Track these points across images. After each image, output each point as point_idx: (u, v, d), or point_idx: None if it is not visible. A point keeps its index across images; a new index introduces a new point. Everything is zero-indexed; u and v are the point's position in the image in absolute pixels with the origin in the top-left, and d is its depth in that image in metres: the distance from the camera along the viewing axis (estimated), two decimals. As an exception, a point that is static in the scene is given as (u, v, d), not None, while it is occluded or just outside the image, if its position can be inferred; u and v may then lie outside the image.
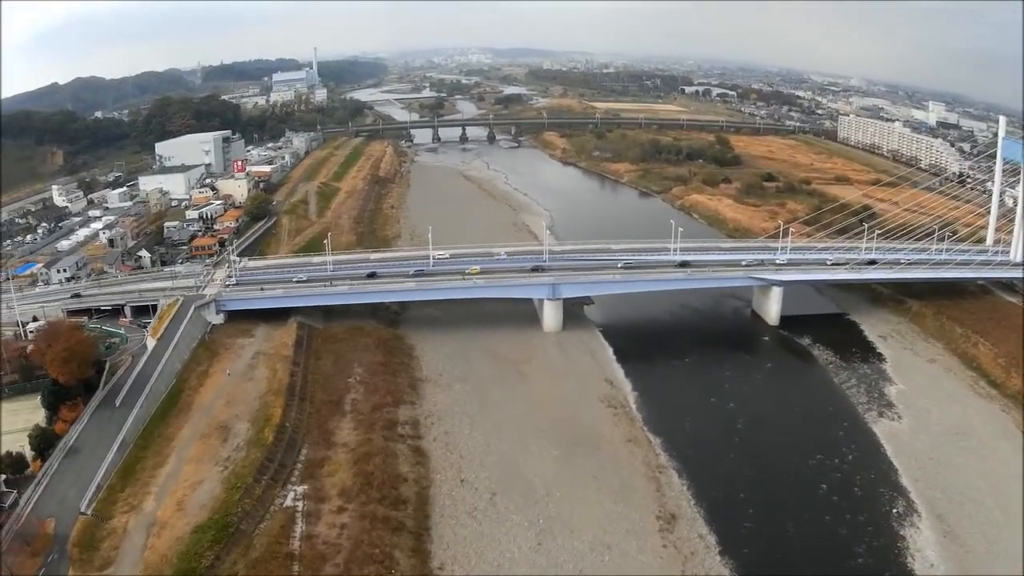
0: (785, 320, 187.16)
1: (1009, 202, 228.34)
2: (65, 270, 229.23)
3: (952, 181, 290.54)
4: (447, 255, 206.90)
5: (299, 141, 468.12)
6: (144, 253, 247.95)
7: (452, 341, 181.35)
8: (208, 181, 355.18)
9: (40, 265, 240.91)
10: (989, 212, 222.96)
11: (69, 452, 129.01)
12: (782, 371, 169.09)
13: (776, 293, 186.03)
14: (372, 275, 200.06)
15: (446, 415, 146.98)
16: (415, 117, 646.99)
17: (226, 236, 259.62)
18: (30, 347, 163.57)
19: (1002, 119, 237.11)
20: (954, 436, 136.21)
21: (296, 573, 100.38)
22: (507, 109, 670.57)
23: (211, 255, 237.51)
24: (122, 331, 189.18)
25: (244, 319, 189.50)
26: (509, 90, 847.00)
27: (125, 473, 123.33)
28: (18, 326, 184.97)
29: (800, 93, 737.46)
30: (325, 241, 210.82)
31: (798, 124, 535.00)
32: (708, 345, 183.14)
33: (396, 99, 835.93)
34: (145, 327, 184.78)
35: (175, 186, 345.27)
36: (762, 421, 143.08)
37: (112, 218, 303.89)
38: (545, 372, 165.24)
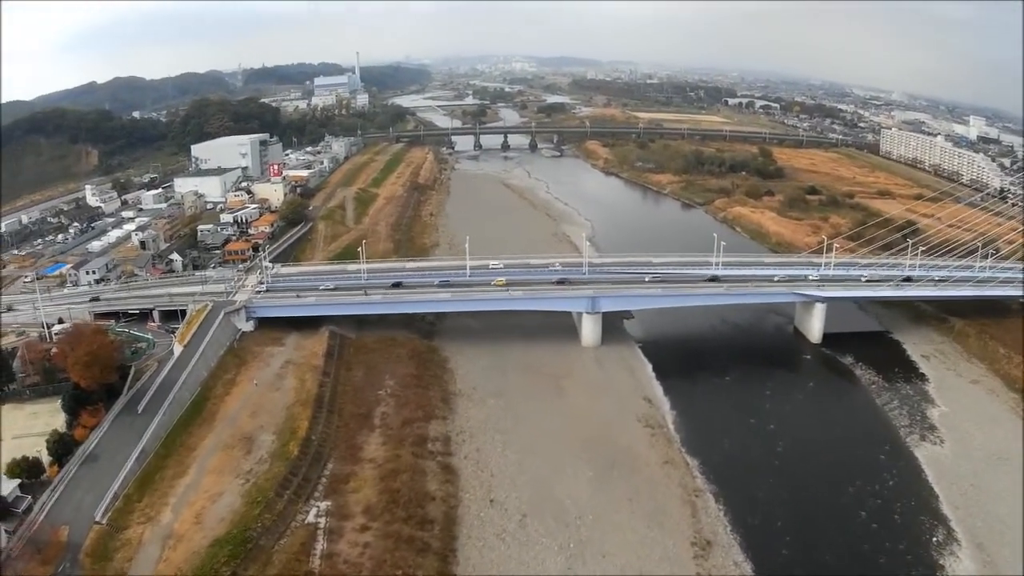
0: (827, 337, 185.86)
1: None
2: (94, 272, 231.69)
3: (994, 197, 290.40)
4: (501, 265, 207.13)
5: (338, 146, 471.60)
6: (175, 256, 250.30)
7: (488, 354, 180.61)
8: (244, 184, 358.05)
9: (69, 266, 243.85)
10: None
11: (87, 459, 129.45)
12: (824, 391, 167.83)
13: (819, 310, 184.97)
14: (398, 285, 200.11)
15: (479, 431, 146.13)
16: (457, 124, 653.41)
17: (260, 241, 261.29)
18: (54, 349, 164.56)
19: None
20: (996, 461, 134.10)
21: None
22: (550, 118, 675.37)
23: (244, 260, 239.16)
24: (149, 336, 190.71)
25: (275, 327, 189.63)
26: (552, 99, 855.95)
27: (143, 483, 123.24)
28: (43, 327, 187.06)
29: (843, 106, 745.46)
30: (359, 249, 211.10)
31: (841, 137, 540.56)
32: (749, 363, 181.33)
33: (438, 106, 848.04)
34: (173, 332, 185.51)
35: (211, 189, 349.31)
36: (802, 443, 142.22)
37: (145, 220, 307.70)
38: (582, 388, 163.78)
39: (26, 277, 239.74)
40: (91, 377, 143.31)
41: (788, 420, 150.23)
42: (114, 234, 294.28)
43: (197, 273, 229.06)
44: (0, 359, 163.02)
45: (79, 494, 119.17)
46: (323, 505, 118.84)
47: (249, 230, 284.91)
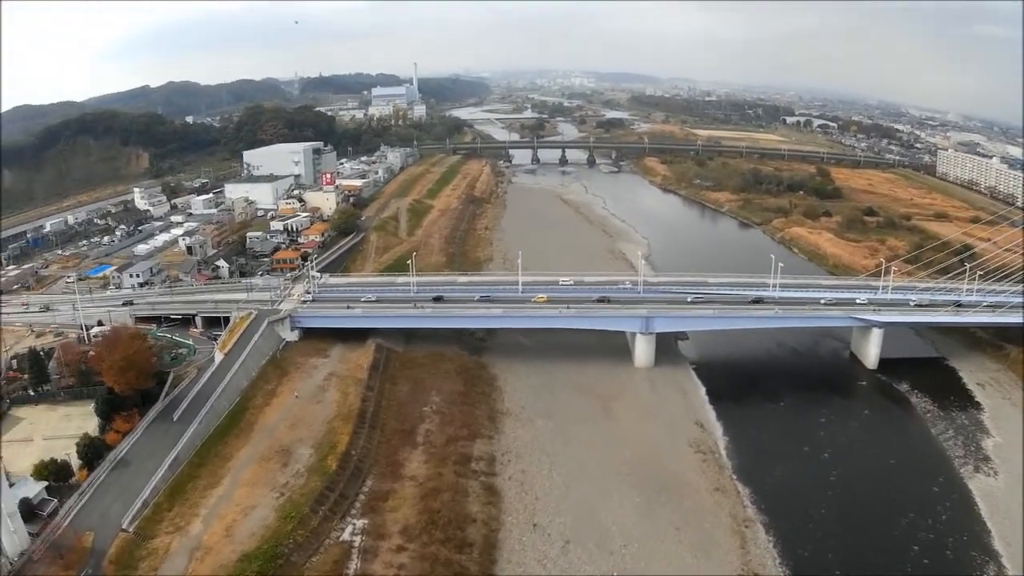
0: (883, 363, 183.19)
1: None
2: (138, 275, 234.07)
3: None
4: (571, 282, 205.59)
5: (394, 156, 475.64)
6: (222, 263, 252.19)
7: (538, 372, 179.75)
8: (296, 192, 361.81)
9: (113, 268, 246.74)
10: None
11: (118, 464, 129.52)
12: (879, 419, 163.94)
13: (876, 335, 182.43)
14: (439, 299, 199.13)
15: (525, 452, 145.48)
16: (515, 137, 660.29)
17: (310, 250, 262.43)
18: (91, 352, 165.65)
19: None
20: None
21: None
22: (608, 133, 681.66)
23: (292, 269, 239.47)
24: (190, 342, 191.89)
25: (320, 337, 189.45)
26: (611, 114, 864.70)
27: (174, 492, 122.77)
28: (82, 329, 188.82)
29: (899, 126, 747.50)
30: (408, 261, 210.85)
31: (897, 158, 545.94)
32: (804, 388, 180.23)
33: (497, 119, 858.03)
34: (215, 339, 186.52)
35: (262, 196, 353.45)
36: (856, 473, 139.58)
37: (194, 225, 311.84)
38: (633, 410, 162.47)
39: (68, 277, 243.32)
40: (126, 382, 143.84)
41: (842, 449, 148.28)
42: (161, 238, 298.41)
43: (243, 280, 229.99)
44: (35, 359, 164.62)
45: (107, 500, 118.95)
46: (359, 523, 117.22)
47: (299, 238, 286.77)
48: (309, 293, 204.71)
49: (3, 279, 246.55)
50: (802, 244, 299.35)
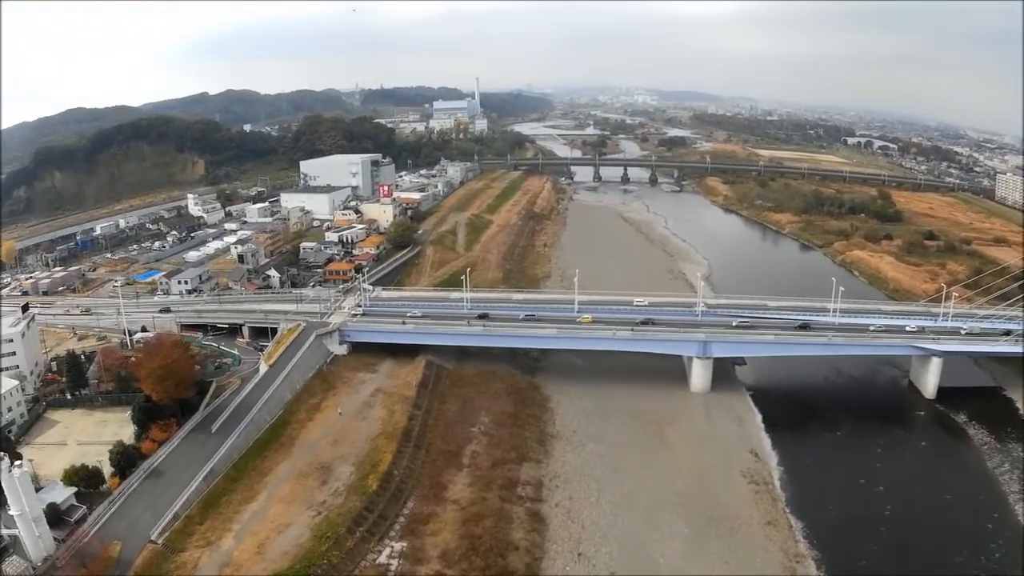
0: (941, 392, 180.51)
1: None
2: (186, 281, 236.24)
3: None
4: (646, 302, 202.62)
5: (454, 170, 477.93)
6: (273, 272, 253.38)
7: (592, 395, 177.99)
8: (353, 204, 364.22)
9: (162, 274, 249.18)
10: None
11: (151, 474, 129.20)
12: (935, 451, 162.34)
13: (935, 364, 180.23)
14: (484, 316, 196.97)
15: (573, 478, 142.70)
16: (577, 154, 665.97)
17: (364, 262, 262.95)
18: (132, 358, 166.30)
19: None
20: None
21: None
22: (670, 151, 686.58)
23: (345, 281, 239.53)
24: (235, 352, 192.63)
25: (369, 352, 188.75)
26: (673, 132, 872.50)
27: (208, 505, 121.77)
28: (125, 334, 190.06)
29: (958, 149, 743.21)
30: (462, 277, 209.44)
31: (957, 181, 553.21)
32: (862, 417, 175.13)
33: (559, 135, 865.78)
34: (262, 350, 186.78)
35: (318, 206, 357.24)
36: (911, 508, 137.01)
37: (248, 233, 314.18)
38: (687, 437, 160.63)
39: (116, 281, 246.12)
40: (163, 391, 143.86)
41: (897, 481, 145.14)
42: (213, 245, 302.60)
43: (293, 291, 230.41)
44: (73, 363, 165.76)
45: (137, 510, 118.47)
46: (397, 546, 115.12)
47: (354, 250, 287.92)
48: (360, 306, 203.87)
49: (48, 280, 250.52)
50: (863, 267, 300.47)
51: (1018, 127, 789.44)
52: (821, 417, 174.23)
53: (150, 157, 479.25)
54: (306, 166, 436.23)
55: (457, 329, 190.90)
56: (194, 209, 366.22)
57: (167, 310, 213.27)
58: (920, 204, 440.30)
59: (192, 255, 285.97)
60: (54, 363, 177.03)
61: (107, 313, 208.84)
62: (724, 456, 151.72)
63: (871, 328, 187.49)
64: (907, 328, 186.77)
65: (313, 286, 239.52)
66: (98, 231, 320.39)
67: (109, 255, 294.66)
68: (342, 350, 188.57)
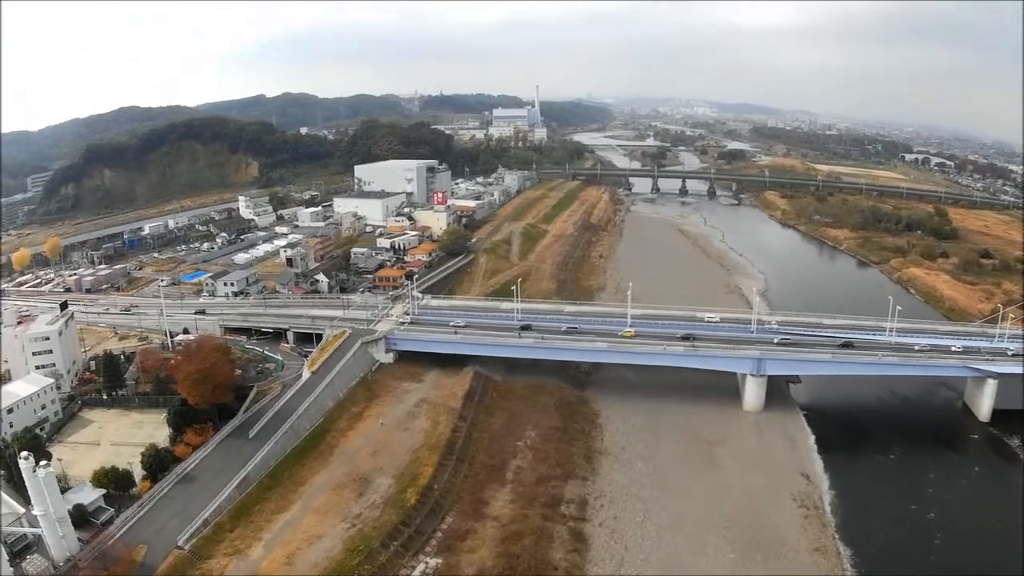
0: (996, 415, 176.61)
1: None
2: (233, 284, 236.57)
3: None
4: (717, 319, 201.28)
5: (511, 178, 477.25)
6: (321, 277, 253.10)
7: (642, 411, 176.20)
8: (406, 210, 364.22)
9: (209, 275, 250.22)
10: None
11: (184, 479, 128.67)
12: (988, 478, 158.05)
13: (990, 386, 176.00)
14: (526, 327, 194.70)
15: (619, 497, 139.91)
16: (636, 165, 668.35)
17: (415, 269, 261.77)
18: (172, 360, 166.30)
19: None
20: None
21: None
22: (729, 164, 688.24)
23: (395, 287, 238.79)
24: (279, 357, 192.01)
25: (415, 361, 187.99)
26: (732, 145, 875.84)
27: (239, 512, 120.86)
28: (166, 335, 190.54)
29: (1013, 167, 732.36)
30: (513, 287, 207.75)
31: (1012, 199, 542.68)
32: (915, 440, 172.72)
33: (618, 145, 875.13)
34: (306, 356, 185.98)
35: (371, 211, 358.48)
36: (960, 537, 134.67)
37: (298, 237, 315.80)
38: (737, 458, 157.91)
39: (161, 281, 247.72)
40: (200, 395, 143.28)
41: (949, 509, 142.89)
42: (263, 248, 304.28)
43: (341, 297, 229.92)
44: (110, 363, 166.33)
45: (166, 515, 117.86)
46: (432, 562, 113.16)
47: (405, 257, 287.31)
48: (408, 314, 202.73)
49: (92, 278, 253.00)
50: (919, 285, 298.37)
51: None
52: (874, 438, 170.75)
53: (203, 157, 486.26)
54: (360, 171, 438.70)
55: (506, 340, 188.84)
56: (245, 211, 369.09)
57: (203, 312, 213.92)
58: (976, 222, 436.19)
59: (240, 257, 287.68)
60: (93, 362, 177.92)
61: (149, 313, 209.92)
62: (775, 478, 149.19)
63: (916, 348, 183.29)
64: (953, 348, 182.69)
65: (362, 292, 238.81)
66: (146, 230, 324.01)
67: (156, 254, 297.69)
68: (388, 358, 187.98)
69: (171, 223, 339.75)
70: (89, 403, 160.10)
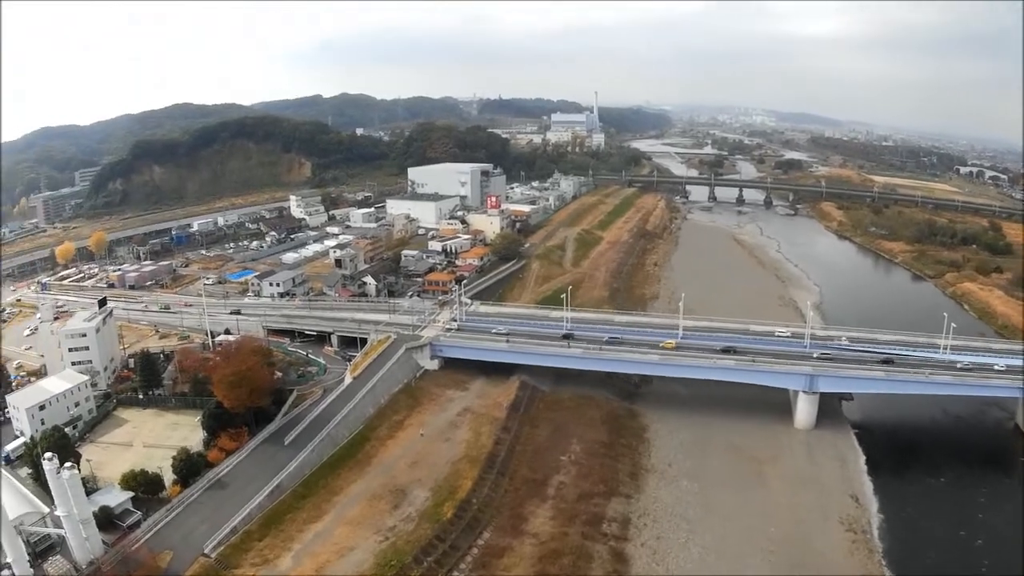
0: None
1: None
2: (279, 284, 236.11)
3: None
4: (787, 333, 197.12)
5: (567, 184, 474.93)
6: (369, 280, 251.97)
7: (691, 426, 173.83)
8: (459, 213, 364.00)
9: (255, 274, 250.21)
10: None
11: (215, 484, 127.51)
12: None
13: None
14: (568, 336, 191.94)
15: (663, 516, 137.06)
16: (693, 173, 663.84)
17: (466, 274, 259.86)
18: (211, 360, 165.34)
19: None
20: None
21: None
22: (786, 174, 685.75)
23: (444, 292, 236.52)
24: (322, 360, 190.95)
25: (461, 369, 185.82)
26: (789, 155, 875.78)
27: (270, 521, 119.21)
28: (207, 335, 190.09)
29: None
30: (563, 295, 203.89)
31: None
32: (966, 462, 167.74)
33: (676, 152, 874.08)
34: (349, 360, 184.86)
35: (424, 214, 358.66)
36: (1010, 566, 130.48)
37: (349, 238, 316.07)
38: (786, 477, 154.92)
39: (206, 279, 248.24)
40: (235, 398, 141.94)
41: (997, 536, 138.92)
42: (312, 248, 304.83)
43: (389, 300, 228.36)
44: (147, 362, 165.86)
45: (194, 520, 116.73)
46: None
47: (456, 261, 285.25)
48: (455, 320, 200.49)
49: (136, 274, 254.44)
50: (972, 300, 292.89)
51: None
52: (925, 459, 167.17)
53: (255, 156, 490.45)
54: (414, 173, 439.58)
55: (554, 350, 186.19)
56: (296, 210, 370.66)
57: (238, 312, 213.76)
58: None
59: (289, 256, 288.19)
60: (131, 360, 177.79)
61: (191, 312, 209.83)
62: (823, 500, 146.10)
63: (958, 366, 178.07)
64: (996, 367, 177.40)
65: (411, 296, 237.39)
66: (195, 227, 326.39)
67: (204, 252, 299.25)
68: (433, 365, 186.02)
69: (220, 220, 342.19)
70: (125, 402, 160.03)
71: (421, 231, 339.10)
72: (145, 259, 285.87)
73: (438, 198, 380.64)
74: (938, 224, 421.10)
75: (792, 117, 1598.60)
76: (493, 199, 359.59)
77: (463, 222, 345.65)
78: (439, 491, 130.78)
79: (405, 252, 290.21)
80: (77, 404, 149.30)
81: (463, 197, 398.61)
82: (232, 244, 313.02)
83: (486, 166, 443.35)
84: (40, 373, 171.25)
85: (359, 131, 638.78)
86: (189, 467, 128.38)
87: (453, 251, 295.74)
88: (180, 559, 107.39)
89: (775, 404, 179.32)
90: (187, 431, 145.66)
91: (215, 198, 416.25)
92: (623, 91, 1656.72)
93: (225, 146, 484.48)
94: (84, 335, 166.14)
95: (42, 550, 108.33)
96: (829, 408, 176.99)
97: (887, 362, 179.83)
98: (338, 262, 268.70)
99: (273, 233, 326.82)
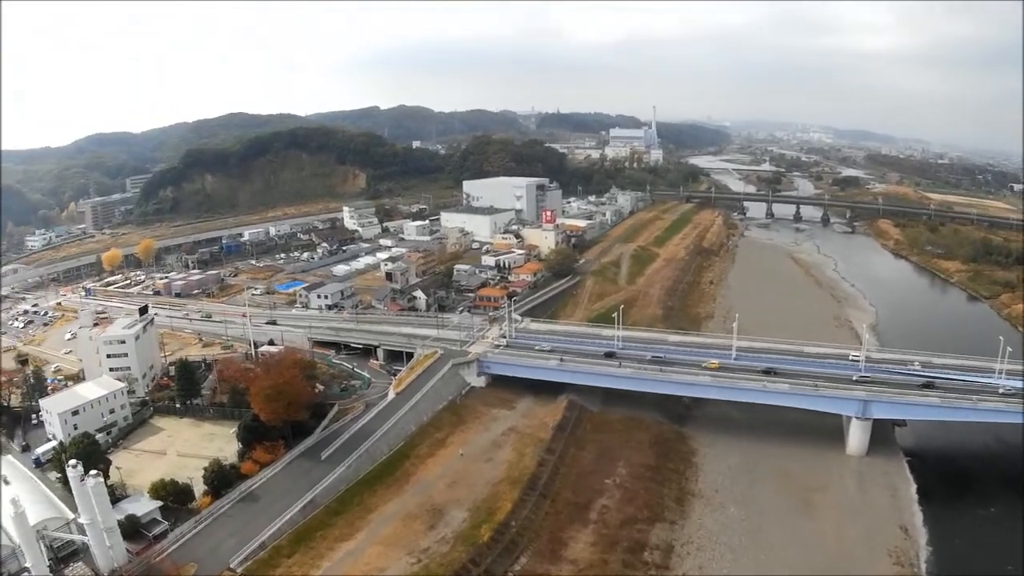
0: None
1: None
2: (327, 296, 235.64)
3: None
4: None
5: (624, 199, 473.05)
6: (419, 294, 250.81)
7: (741, 451, 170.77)
8: (514, 228, 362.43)
9: (304, 285, 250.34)
10: None
11: (246, 497, 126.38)
12: None
13: None
14: (610, 355, 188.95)
15: (707, 544, 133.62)
16: (751, 189, 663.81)
17: (519, 289, 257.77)
18: (252, 372, 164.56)
19: None
20: None
21: None
22: (843, 191, 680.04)
23: (496, 308, 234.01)
24: (366, 374, 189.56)
25: (508, 386, 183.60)
26: (847, 172, 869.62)
27: (300, 538, 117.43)
28: (250, 345, 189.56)
29: None
30: (614, 314, 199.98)
31: None
32: (1017, 492, 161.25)
33: (734, 168, 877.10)
34: (394, 375, 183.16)
35: (478, 227, 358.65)
36: None
37: (401, 250, 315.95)
38: (835, 507, 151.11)
39: (254, 289, 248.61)
40: (272, 411, 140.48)
41: None
42: (364, 260, 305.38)
43: (438, 316, 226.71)
44: (185, 371, 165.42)
45: (222, 533, 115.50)
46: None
47: (509, 276, 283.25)
48: (504, 337, 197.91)
49: (183, 282, 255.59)
50: None
51: None
52: (977, 491, 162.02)
53: (308, 167, 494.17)
54: (469, 186, 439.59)
55: (602, 369, 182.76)
56: (349, 222, 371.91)
57: (274, 322, 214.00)
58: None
59: (340, 268, 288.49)
60: (172, 368, 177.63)
61: (235, 321, 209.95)
62: (872, 531, 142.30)
63: (1000, 391, 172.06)
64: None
65: (461, 312, 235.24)
66: (246, 236, 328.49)
67: (254, 262, 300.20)
68: (480, 382, 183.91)
69: (272, 230, 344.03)
70: (162, 410, 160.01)
71: (475, 245, 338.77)
72: (193, 267, 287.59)
73: (493, 212, 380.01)
74: (993, 243, 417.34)
75: (848, 134, 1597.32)
76: (548, 213, 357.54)
77: (518, 236, 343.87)
78: (477, 512, 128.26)
79: (457, 266, 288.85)
80: (112, 411, 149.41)
81: (518, 211, 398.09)
82: (283, 255, 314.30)
83: (542, 180, 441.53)
84: (78, 378, 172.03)
85: (415, 144, 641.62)
86: (221, 478, 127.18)
87: (506, 266, 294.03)
88: (205, 572, 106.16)
89: (827, 429, 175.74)
90: (223, 442, 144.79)
91: (267, 208, 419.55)
92: (681, 106, 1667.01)
93: (278, 156, 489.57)
94: (123, 342, 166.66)
95: (65, 556, 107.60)
96: (881, 434, 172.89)
97: (928, 385, 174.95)
98: (389, 275, 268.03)
99: (325, 244, 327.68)
